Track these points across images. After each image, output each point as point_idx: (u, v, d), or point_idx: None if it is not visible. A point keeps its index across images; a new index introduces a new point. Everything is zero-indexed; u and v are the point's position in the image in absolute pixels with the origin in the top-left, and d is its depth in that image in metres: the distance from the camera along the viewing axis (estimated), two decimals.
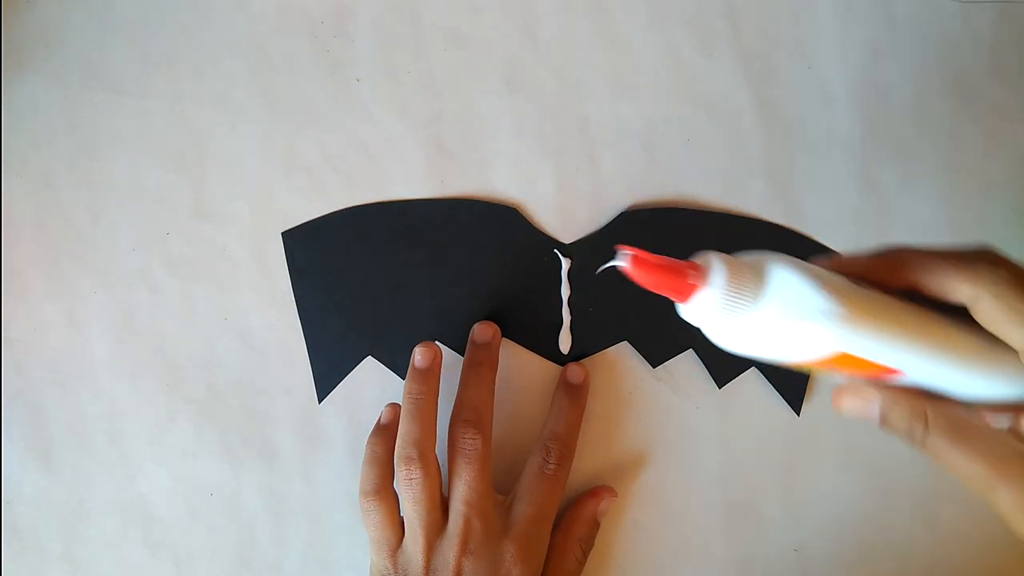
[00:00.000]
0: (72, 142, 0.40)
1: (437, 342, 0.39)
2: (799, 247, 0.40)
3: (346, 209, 0.39)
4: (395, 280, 0.39)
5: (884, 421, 0.27)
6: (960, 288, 0.25)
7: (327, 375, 0.39)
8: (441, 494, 0.36)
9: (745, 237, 0.39)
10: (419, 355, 0.37)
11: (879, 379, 0.26)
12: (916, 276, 0.26)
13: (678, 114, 0.40)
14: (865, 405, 0.27)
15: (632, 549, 0.40)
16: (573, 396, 0.38)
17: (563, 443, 0.37)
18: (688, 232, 0.39)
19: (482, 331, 0.38)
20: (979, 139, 0.40)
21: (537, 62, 0.40)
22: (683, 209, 0.39)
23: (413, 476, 0.35)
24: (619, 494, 0.39)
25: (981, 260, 0.25)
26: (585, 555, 0.38)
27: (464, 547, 0.34)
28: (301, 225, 0.39)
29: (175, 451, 0.40)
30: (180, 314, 0.40)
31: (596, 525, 0.38)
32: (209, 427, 0.40)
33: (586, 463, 0.39)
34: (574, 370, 0.39)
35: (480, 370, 0.37)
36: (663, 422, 0.39)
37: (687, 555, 0.40)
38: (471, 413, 0.36)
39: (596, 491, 0.39)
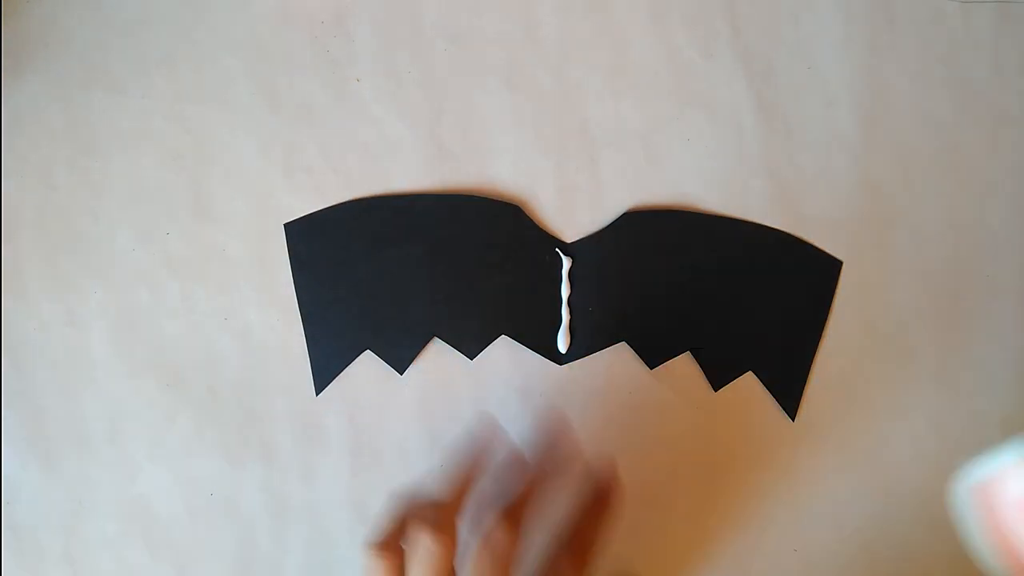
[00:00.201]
0: (72, 142, 0.40)
1: (437, 337, 0.39)
2: (799, 252, 0.40)
3: (349, 202, 0.39)
4: (395, 274, 0.39)
5: None
6: None
7: (325, 367, 0.39)
8: (451, 570, 0.33)
9: (745, 242, 0.39)
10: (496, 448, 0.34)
11: None
12: None
13: (678, 114, 0.40)
14: None
15: (632, 549, 0.40)
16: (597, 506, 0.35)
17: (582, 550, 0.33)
18: (688, 235, 0.39)
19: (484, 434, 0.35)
20: (979, 139, 0.40)
21: (537, 62, 0.40)
22: (684, 212, 0.39)
23: (423, 542, 0.31)
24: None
25: None
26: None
27: None
28: (303, 217, 0.39)
29: (175, 451, 0.40)
30: (180, 314, 0.40)
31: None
32: (209, 427, 0.40)
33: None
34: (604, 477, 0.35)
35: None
36: (662, 422, 0.39)
37: (687, 555, 0.40)
38: (506, 534, 0.32)
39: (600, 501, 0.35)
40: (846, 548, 0.40)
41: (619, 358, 0.39)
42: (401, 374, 0.39)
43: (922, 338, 0.40)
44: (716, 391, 0.39)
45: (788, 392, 0.39)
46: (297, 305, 0.39)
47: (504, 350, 0.39)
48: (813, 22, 0.40)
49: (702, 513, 0.40)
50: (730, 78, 0.40)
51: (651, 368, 0.39)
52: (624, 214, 0.39)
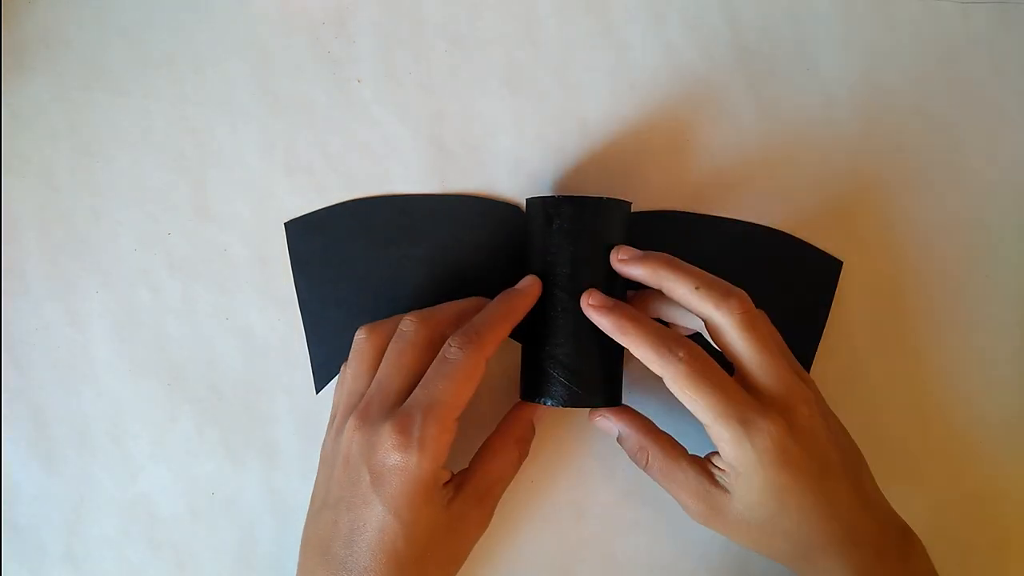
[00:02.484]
0: (73, 142, 0.40)
1: None
2: (799, 253, 0.40)
3: (349, 201, 0.40)
4: (395, 274, 0.39)
5: (619, 442, 0.37)
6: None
7: (325, 365, 0.40)
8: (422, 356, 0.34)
9: (745, 242, 0.39)
10: (526, 281, 0.35)
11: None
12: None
13: (678, 114, 0.40)
14: (610, 427, 0.36)
15: (632, 549, 0.40)
16: (506, 296, 0.35)
17: (472, 328, 0.34)
18: (688, 236, 0.39)
19: (526, 281, 0.36)
20: (979, 139, 0.40)
21: (537, 62, 0.40)
22: (683, 213, 0.39)
23: (403, 323, 0.34)
24: (617, 493, 0.39)
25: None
26: (521, 458, 0.36)
27: (361, 419, 0.33)
28: (303, 216, 0.40)
29: (176, 450, 0.40)
30: (181, 314, 0.40)
31: (532, 428, 0.37)
32: (210, 426, 0.40)
33: (584, 461, 0.40)
34: (524, 280, 0.36)
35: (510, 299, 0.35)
36: (662, 420, 0.39)
37: (687, 555, 0.40)
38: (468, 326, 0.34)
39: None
40: None
41: None
42: None
43: (922, 338, 0.40)
44: None
45: None
46: (297, 304, 0.40)
47: (503, 350, 0.39)
48: (813, 23, 0.40)
49: None
50: (730, 78, 0.40)
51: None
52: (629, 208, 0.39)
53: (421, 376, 0.34)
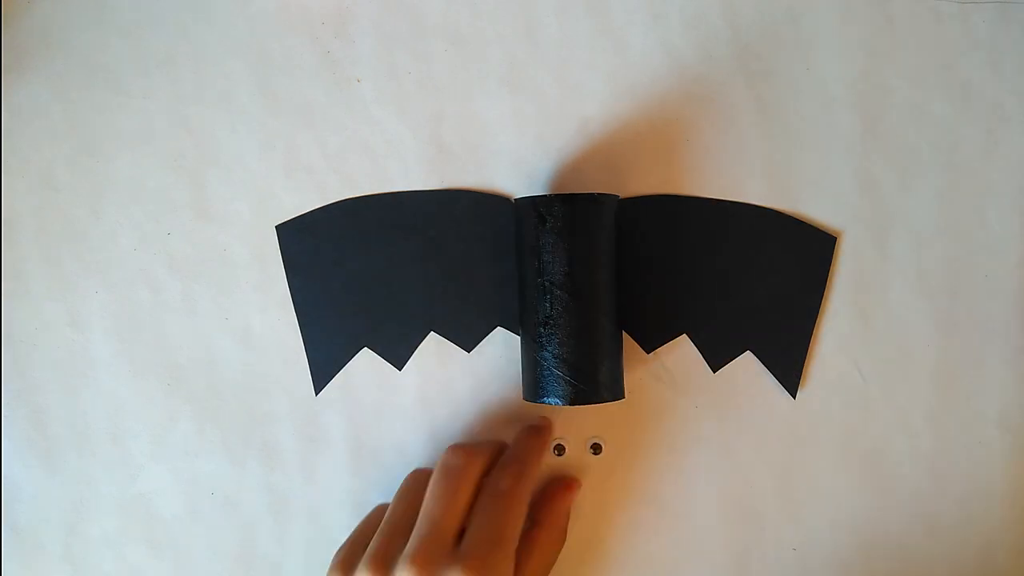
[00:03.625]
0: (73, 142, 0.40)
1: (433, 332, 0.39)
2: (790, 229, 0.39)
3: (340, 201, 0.40)
4: (390, 272, 0.39)
5: None
6: None
7: (323, 366, 0.40)
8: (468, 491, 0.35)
9: (742, 225, 0.39)
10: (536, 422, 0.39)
11: None
12: None
13: (678, 114, 0.40)
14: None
15: (632, 549, 0.40)
16: (535, 429, 0.38)
17: (520, 461, 0.36)
18: (681, 219, 0.39)
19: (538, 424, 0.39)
20: (979, 139, 0.40)
21: (537, 62, 0.40)
22: (678, 197, 0.39)
23: (444, 456, 0.35)
24: (617, 493, 0.39)
25: None
26: (560, 547, 0.38)
27: (421, 564, 0.31)
28: (295, 218, 0.40)
29: (176, 450, 0.40)
30: (181, 314, 0.40)
31: (568, 517, 0.39)
32: (210, 426, 0.40)
33: (583, 461, 0.40)
34: (538, 420, 0.39)
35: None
36: (661, 420, 0.39)
37: (686, 555, 0.40)
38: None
39: (567, 484, 0.39)
40: (844, 548, 0.40)
41: None
42: (400, 370, 0.39)
43: (921, 338, 0.40)
44: (715, 372, 0.39)
45: (788, 369, 0.39)
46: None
47: (501, 341, 0.39)
48: (812, 22, 0.40)
49: (701, 511, 0.40)
50: (730, 78, 0.40)
51: (648, 352, 0.39)
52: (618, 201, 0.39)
53: (469, 513, 0.34)
